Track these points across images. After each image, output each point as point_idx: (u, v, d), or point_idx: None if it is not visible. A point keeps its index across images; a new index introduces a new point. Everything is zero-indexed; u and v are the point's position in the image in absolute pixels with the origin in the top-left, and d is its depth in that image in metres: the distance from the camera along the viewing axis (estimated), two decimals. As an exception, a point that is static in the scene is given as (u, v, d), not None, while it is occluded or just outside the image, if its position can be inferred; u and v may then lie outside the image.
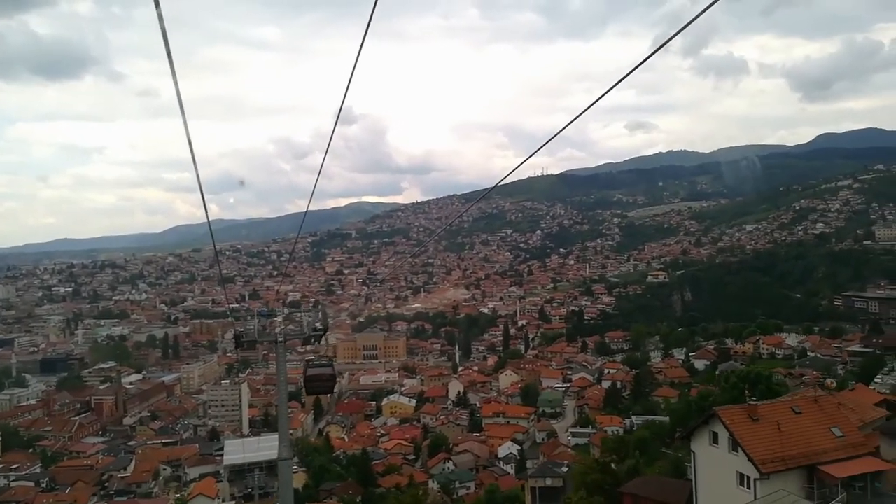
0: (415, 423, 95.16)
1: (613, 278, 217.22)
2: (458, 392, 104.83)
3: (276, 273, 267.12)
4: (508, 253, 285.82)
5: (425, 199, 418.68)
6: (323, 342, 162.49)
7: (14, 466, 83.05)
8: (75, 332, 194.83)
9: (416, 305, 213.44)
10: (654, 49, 5.28)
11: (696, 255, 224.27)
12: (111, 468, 79.88)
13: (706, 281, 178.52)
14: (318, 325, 17.29)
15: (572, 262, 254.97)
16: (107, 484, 74.77)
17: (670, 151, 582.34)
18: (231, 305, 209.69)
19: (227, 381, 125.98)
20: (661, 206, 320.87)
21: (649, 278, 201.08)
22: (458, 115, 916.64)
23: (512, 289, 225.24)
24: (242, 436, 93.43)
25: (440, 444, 76.01)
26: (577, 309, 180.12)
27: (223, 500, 62.03)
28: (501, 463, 70.06)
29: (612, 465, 36.25)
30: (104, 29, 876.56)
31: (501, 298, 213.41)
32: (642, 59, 5.34)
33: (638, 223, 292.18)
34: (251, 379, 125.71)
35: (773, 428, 21.06)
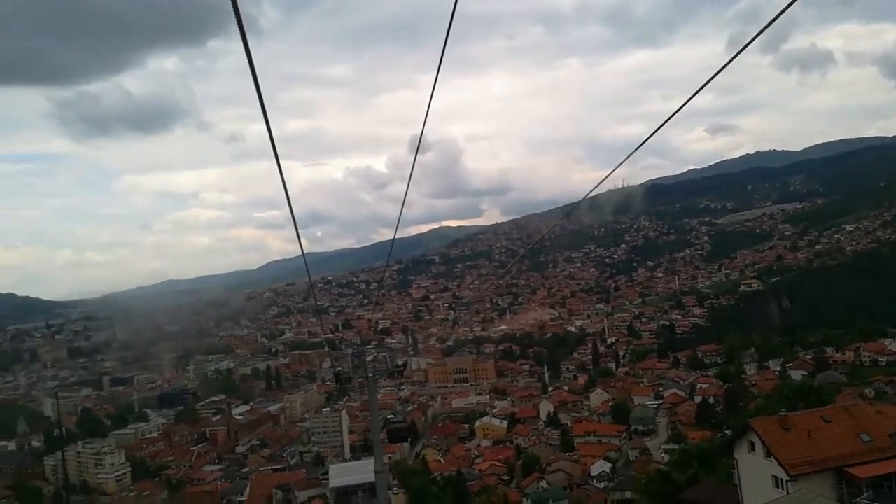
0: (507, 444, 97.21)
1: (704, 289, 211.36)
2: (549, 412, 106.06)
3: (366, 302, 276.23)
4: (593, 269, 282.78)
5: (505, 219, 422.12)
6: (408, 369, 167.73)
7: (145, 494, 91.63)
8: (187, 367, 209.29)
9: (503, 327, 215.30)
10: (742, 47, 5.21)
11: (792, 260, 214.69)
12: (230, 493, 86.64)
13: (804, 287, 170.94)
14: (399, 363, 21.29)
15: (661, 275, 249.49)
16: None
17: (757, 153, 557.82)
18: (327, 336, 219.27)
19: (328, 409, 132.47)
20: (751, 210, 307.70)
21: (742, 287, 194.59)
22: (531, 133, 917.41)
23: (599, 306, 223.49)
24: (344, 460, 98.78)
25: (533, 464, 77.82)
26: (667, 323, 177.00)
27: (332, 521, 66.60)
28: (594, 481, 71.07)
29: (673, 475, 37.64)
30: (190, 82, 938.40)
31: (588, 316, 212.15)
32: (729, 59, 5.33)
33: (728, 230, 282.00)
34: (349, 406, 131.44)
35: (803, 435, 23.77)
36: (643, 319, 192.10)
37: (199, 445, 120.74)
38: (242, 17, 3.96)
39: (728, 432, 70.77)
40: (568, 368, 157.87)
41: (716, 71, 5.43)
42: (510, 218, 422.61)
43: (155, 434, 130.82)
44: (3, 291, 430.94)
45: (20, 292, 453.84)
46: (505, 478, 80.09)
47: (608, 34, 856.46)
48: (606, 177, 10.51)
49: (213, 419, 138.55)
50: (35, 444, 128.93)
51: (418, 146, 8.60)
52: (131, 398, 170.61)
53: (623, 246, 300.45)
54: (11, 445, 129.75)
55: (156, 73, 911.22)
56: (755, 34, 4.93)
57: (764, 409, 48.79)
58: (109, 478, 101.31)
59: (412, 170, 9.96)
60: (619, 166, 9.24)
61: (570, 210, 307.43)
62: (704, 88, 6.11)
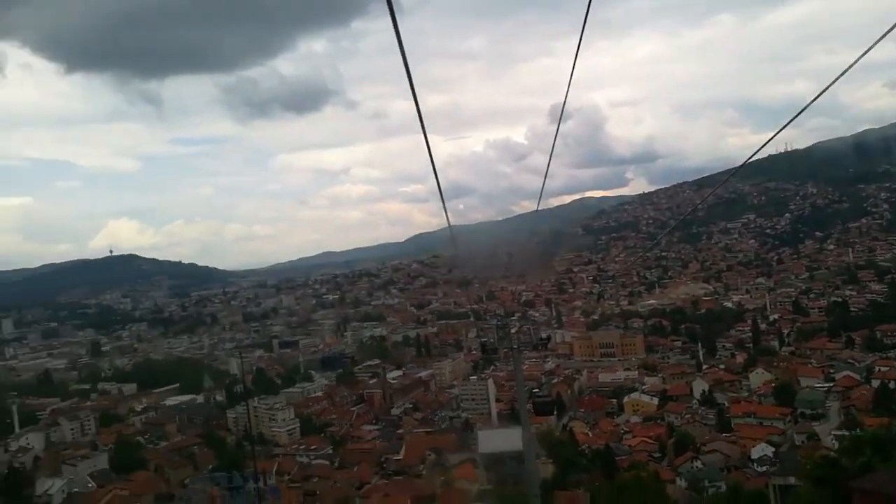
0: (658, 421, 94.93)
1: (885, 263, 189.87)
2: (703, 391, 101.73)
3: (508, 274, 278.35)
4: (753, 241, 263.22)
5: (653, 188, 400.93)
6: (552, 342, 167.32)
7: (313, 447, 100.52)
8: (345, 333, 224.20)
9: (652, 302, 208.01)
10: None
11: None
12: (387, 452, 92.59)
13: None
14: (543, 336, 21.87)
15: (832, 248, 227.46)
16: (384, 465, 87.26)
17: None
18: (472, 306, 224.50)
19: (475, 377, 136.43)
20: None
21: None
22: (679, 96, 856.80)
23: (759, 280, 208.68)
24: (493, 427, 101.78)
25: (686, 443, 75.63)
26: (839, 300, 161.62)
27: (481, 484, 69.36)
28: (755, 465, 67.82)
29: (842, 461, 34.88)
30: (336, 63, 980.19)
31: (748, 291, 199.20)
32: None
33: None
34: (495, 375, 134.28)
35: None
36: (811, 295, 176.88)
37: (358, 406, 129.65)
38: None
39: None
40: (724, 346, 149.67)
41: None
42: (658, 187, 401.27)
43: (319, 393, 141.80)
44: (186, 261, 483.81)
45: (200, 262, 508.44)
46: (656, 455, 78.60)
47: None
48: (770, 140, 9.56)
49: (370, 382, 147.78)
50: (218, 398, 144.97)
51: (561, 115, 8.75)
52: (297, 360, 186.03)
53: (787, 216, 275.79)
54: (199, 399, 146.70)
55: (306, 55, 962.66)
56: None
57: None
58: (282, 431, 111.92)
59: (555, 139, 10.19)
60: (784, 128, 8.28)
61: (726, 177, 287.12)
62: (884, 39, 5.59)
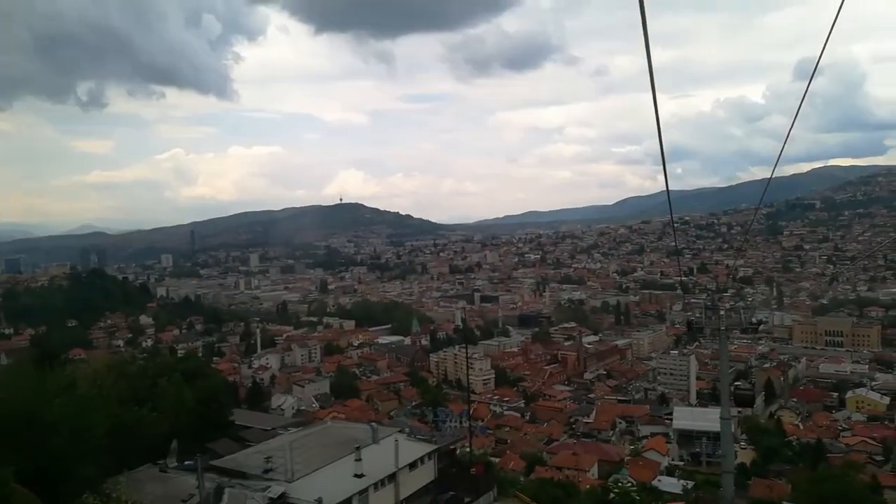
0: (886, 422, 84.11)
1: None
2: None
3: (726, 247, 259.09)
4: None
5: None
6: (770, 324, 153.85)
7: (506, 399, 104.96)
8: (543, 293, 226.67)
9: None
10: None
11: None
12: (577, 413, 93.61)
13: None
14: (754, 321, 20.75)
15: None
16: (574, 425, 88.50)
17: None
18: (681, 279, 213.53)
19: (676, 352, 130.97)
20: None
21: None
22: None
23: None
24: (690, 405, 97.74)
25: (919, 452, 66.42)
26: None
27: (672, 459, 67.65)
28: None
29: None
30: (562, 17, 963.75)
31: None
32: None
33: None
34: (699, 352, 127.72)
35: None
36: None
37: (552, 366, 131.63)
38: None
39: None
40: None
41: None
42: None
43: (515, 349, 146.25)
44: (403, 212, 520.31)
45: (415, 214, 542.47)
46: (878, 458, 70.11)
47: None
48: None
49: (565, 344, 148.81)
50: (424, 342, 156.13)
51: (814, 70, 7.61)
52: (496, 315, 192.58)
53: None
54: (406, 341, 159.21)
55: (531, 10, 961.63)
56: None
57: None
58: (478, 379, 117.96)
59: (802, 99, 8.69)
60: None
61: None
62: None
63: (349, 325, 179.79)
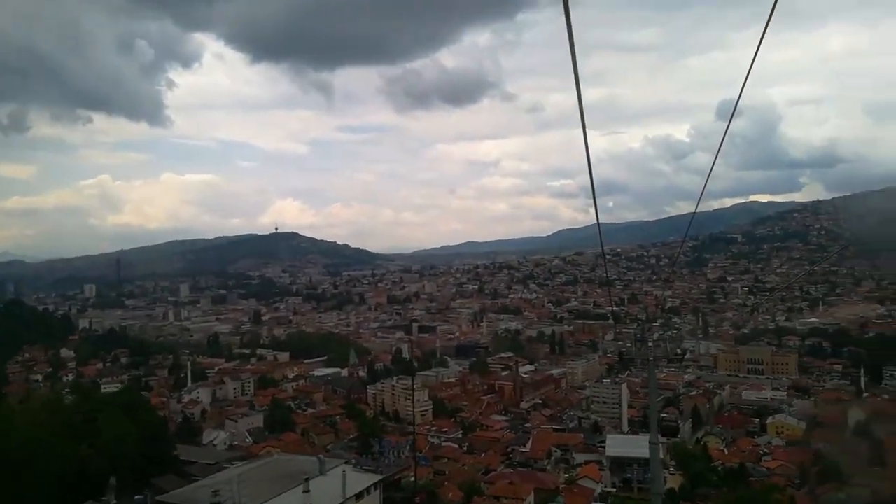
0: (804, 447, 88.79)
1: None
2: (859, 420, 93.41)
3: (655, 278, 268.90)
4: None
5: (829, 195, 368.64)
6: (696, 353, 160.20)
7: (444, 430, 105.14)
8: (481, 323, 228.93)
9: (813, 319, 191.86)
10: None
11: None
12: (513, 443, 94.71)
13: None
14: (679, 351, 22.48)
15: None
16: (510, 455, 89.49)
17: None
18: (612, 308, 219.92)
19: (608, 381, 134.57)
20: None
21: None
22: (873, 96, 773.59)
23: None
24: (622, 433, 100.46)
25: (831, 474, 70.42)
26: None
27: (605, 486, 69.42)
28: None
29: None
30: (498, 55, 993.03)
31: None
32: None
33: None
34: (630, 381, 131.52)
35: None
36: None
37: (489, 396, 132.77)
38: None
39: None
40: (893, 375, 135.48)
41: None
42: (836, 195, 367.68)
43: (452, 379, 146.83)
44: (341, 242, 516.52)
45: (353, 244, 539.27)
46: (796, 482, 73.99)
47: None
48: None
49: (502, 374, 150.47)
50: (361, 374, 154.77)
51: (733, 111, 8.28)
52: (435, 345, 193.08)
53: None
54: (344, 372, 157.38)
55: (469, 48, 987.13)
56: None
57: None
58: (416, 411, 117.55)
59: (723, 138, 9.36)
60: None
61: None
62: None
63: (284, 357, 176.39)
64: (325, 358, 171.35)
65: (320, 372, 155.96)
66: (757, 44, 6.22)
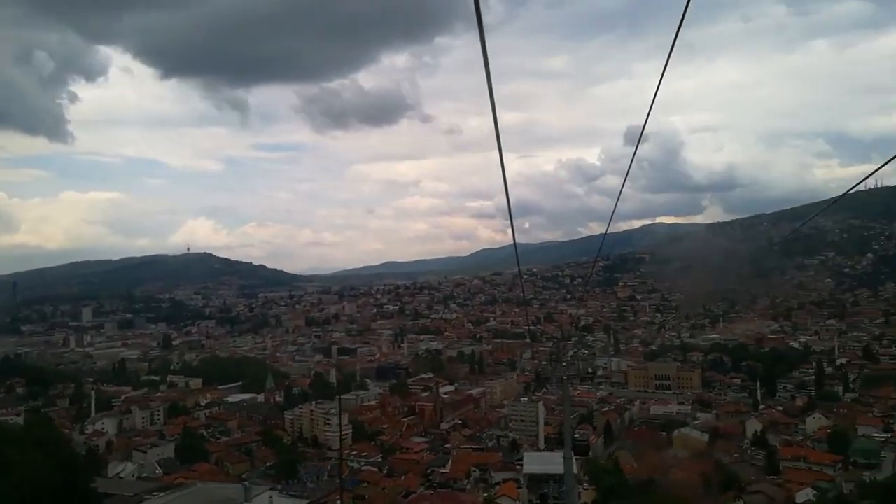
0: (707, 457, 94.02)
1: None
2: (756, 431, 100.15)
3: (569, 297, 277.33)
4: (829, 279, 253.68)
5: (728, 217, 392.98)
6: (608, 370, 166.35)
7: (363, 454, 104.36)
8: (402, 345, 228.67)
9: (714, 336, 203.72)
10: None
11: None
12: (433, 464, 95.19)
13: None
14: (590, 370, 24.21)
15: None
16: (430, 476, 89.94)
17: None
18: (529, 327, 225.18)
19: (526, 399, 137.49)
20: None
21: None
22: (765, 124, 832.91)
23: (831, 322, 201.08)
24: (538, 450, 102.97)
25: (731, 482, 75.24)
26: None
27: (522, 503, 71.12)
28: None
29: None
30: (416, 77, 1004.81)
31: (817, 332, 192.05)
32: None
33: None
34: (546, 398, 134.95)
35: None
36: (884, 342, 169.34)
37: (409, 418, 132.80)
38: (481, 15, 4.26)
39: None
40: (785, 387, 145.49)
41: None
42: (734, 217, 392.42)
43: (373, 402, 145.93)
44: (257, 263, 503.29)
45: (270, 265, 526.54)
46: (700, 492, 78.24)
47: (866, 10, 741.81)
48: (873, 172, 9.11)
49: (422, 395, 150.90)
50: (278, 398, 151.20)
51: (639, 137, 8.70)
52: (354, 367, 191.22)
53: (869, 255, 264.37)
54: (259, 398, 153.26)
55: (387, 69, 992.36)
56: None
57: None
58: (335, 435, 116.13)
59: (631, 162, 9.72)
60: (888, 163, 7.99)
61: (816, 213, 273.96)
62: None
63: (196, 383, 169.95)
64: (239, 383, 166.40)
65: (235, 398, 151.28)
66: (660, 74, 6.51)
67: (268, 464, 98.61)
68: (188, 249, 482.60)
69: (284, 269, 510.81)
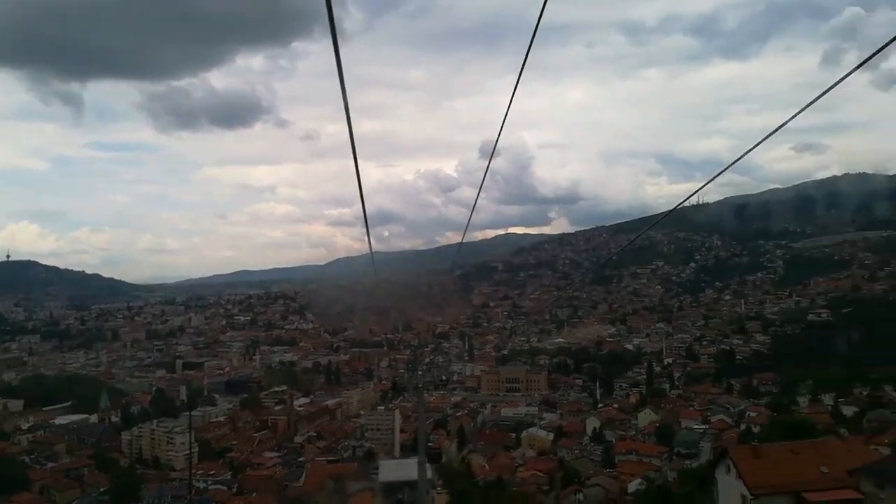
0: (552, 455, 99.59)
1: (771, 315, 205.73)
2: (595, 428, 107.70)
3: (427, 305, 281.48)
4: (659, 286, 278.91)
5: (573, 229, 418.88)
6: (462, 375, 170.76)
7: (211, 473, 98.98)
8: (254, 357, 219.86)
9: (560, 340, 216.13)
10: (848, 71, 4.92)
11: (868, 290, 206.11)
12: (287, 479, 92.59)
13: (877, 320, 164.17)
14: (443, 378, 24.98)
15: (728, 298, 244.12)
16: (284, 491, 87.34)
17: (846, 175, 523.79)
18: (387, 336, 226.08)
19: (382, 408, 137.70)
20: (831, 236, 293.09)
21: (811, 316, 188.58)
22: (605, 143, 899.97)
23: (660, 325, 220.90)
24: (395, 457, 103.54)
25: (572, 477, 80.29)
26: (727, 348, 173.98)
27: (377, 514, 71.10)
28: (632, 498, 72.90)
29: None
30: (272, 81, 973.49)
31: (648, 335, 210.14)
32: (835, 82, 4.91)
33: (804, 255, 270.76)
34: (402, 406, 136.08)
35: (770, 463, 27.94)
36: (703, 342, 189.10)
37: (261, 432, 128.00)
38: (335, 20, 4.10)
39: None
40: (621, 386, 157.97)
41: (819, 92, 5.17)
42: (578, 228, 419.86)
43: (222, 418, 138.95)
44: (90, 272, 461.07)
45: (105, 273, 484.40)
46: (545, 488, 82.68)
47: (693, 44, 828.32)
48: (698, 190, 9.48)
49: (276, 408, 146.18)
50: (114, 419, 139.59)
51: (493, 151, 9.01)
52: (202, 382, 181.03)
53: (692, 265, 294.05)
54: (93, 419, 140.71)
55: (241, 70, 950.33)
56: (862, 60, 4.69)
57: (767, 439, 55.68)
58: (179, 455, 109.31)
59: (485, 175, 10.01)
60: (708, 183, 9.60)
61: (649, 226, 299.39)
62: (789, 104, 7.25)
63: (16, 405, 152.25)
64: (69, 404, 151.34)
65: (63, 419, 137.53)
66: (512, 91, 6.71)
67: (101, 489, 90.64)
68: (8, 257, 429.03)
69: (122, 279, 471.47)
